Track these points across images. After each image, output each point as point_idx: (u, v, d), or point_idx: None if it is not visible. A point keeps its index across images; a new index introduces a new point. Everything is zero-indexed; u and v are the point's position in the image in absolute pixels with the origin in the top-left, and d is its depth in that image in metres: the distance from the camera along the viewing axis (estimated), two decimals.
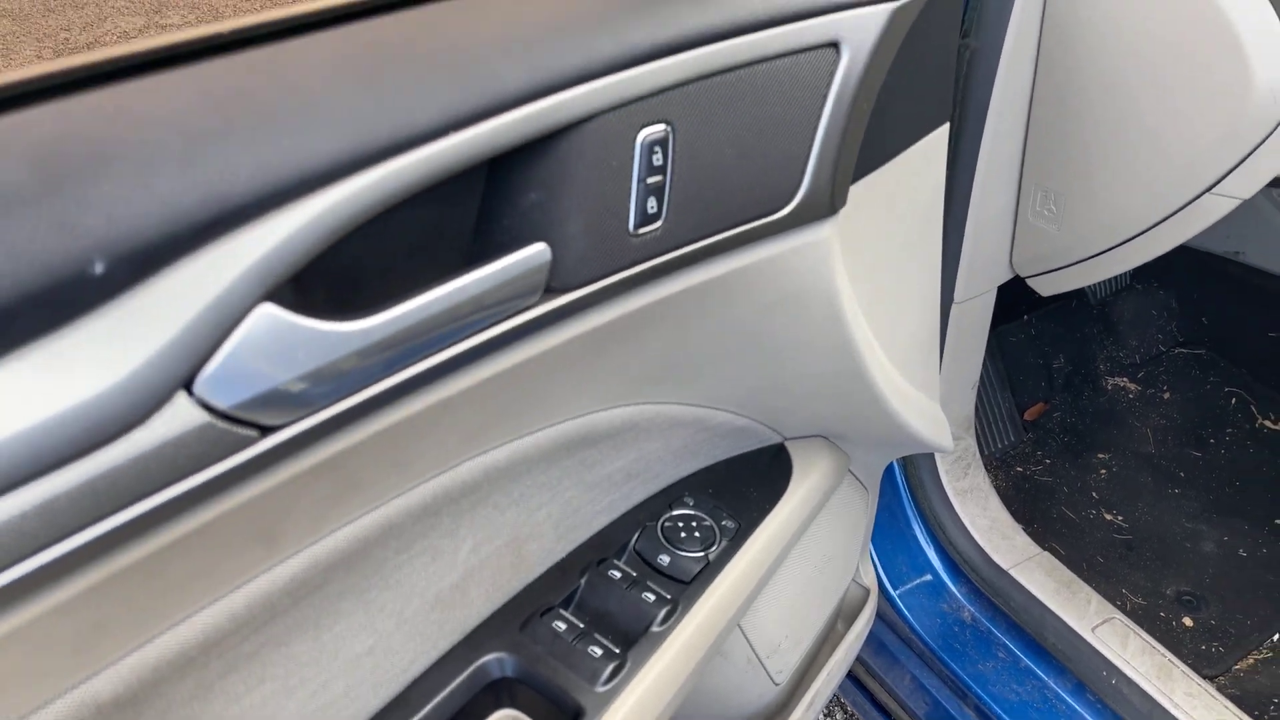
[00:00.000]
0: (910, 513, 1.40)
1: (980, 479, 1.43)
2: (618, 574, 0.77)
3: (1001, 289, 1.43)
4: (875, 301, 0.85)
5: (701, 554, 0.81)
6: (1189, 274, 1.91)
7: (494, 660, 0.70)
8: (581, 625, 0.73)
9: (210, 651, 0.49)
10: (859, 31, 0.65)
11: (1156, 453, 1.73)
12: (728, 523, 0.83)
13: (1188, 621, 1.45)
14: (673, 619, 0.74)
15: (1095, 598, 1.32)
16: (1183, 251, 1.93)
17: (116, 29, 3.98)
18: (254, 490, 0.44)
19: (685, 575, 0.79)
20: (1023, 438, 1.75)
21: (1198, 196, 1.02)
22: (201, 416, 0.39)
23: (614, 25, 0.54)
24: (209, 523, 0.42)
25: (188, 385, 0.39)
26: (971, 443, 1.43)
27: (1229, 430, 1.76)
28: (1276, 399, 1.79)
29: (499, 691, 0.70)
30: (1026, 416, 1.80)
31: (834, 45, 0.64)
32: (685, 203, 0.59)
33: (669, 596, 0.76)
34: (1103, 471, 1.70)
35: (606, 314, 0.58)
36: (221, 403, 0.39)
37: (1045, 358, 1.86)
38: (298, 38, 0.45)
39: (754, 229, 0.64)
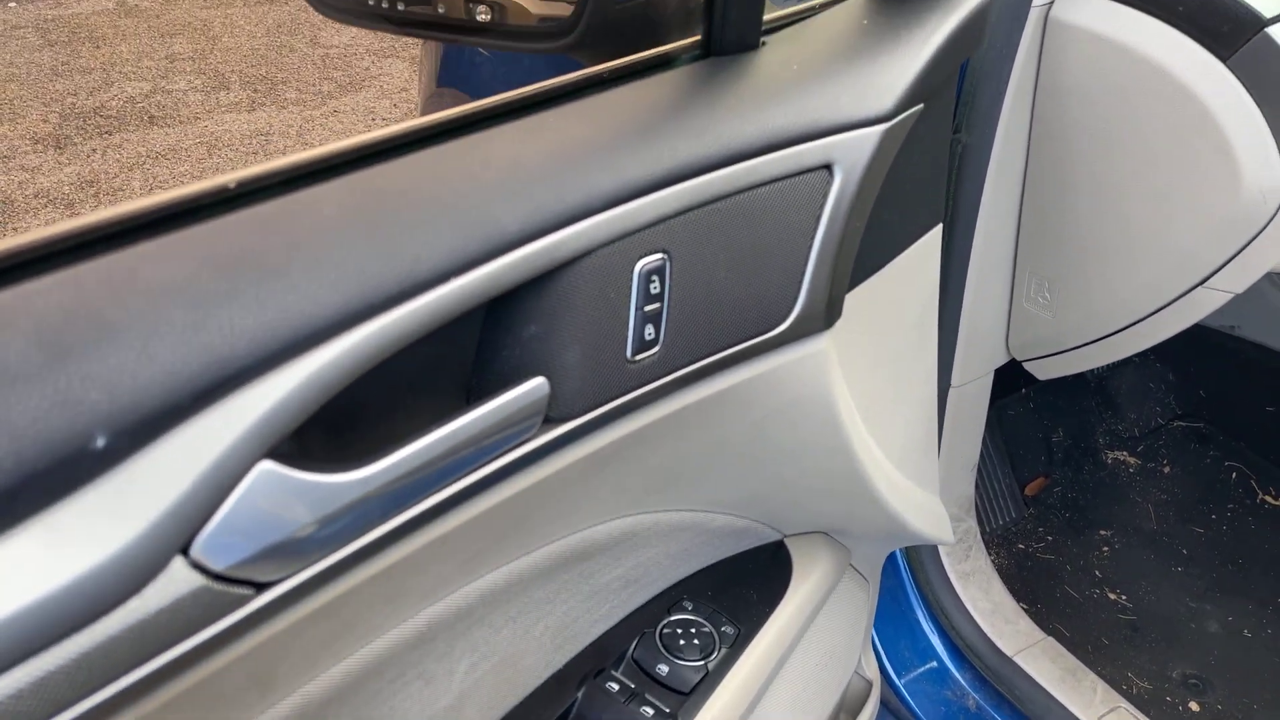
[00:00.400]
0: (913, 598, 1.38)
1: (982, 561, 1.42)
2: (615, 686, 0.76)
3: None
4: (872, 402, 0.85)
5: (701, 662, 0.80)
6: (1186, 348, 1.92)
7: None
8: None
9: None
10: (852, 152, 0.66)
11: (1158, 529, 1.72)
12: (727, 628, 0.83)
13: (1194, 706, 1.43)
14: None
15: (1101, 685, 1.30)
16: None
17: (122, 94, 4.05)
18: (248, 645, 0.43)
19: (685, 686, 0.78)
20: (1024, 514, 1.74)
21: (1191, 289, 1.03)
22: (198, 580, 0.39)
23: (612, 161, 0.55)
24: (203, 680, 0.42)
25: (184, 549, 0.38)
26: (973, 524, 1.42)
27: (1230, 505, 1.75)
28: (1276, 473, 1.79)
29: None
30: (1027, 491, 1.79)
31: (827, 167, 0.65)
32: (682, 327, 0.59)
33: (668, 710, 0.75)
34: (1105, 549, 1.68)
35: (605, 438, 0.58)
36: (218, 565, 0.39)
37: (1045, 431, 1.86)
38: (302, 189, 0.46)
39: (751, 346, 0.64)
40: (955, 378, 1.25)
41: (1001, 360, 1.29)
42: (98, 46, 4.15)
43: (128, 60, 4.08)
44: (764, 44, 0.71)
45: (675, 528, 0.78)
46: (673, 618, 0.83)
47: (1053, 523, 1.74)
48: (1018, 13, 1.02)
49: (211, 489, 0.38)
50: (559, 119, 0.58)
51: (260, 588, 0.41)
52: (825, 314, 0.68)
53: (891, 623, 1.37)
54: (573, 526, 0.66)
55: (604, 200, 0.53)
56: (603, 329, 0.54)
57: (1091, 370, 1.90)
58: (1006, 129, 1.07)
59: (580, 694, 0.75)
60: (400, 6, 0.80)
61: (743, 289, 0.62)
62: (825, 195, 0.65)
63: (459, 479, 0.49)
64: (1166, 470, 1.83)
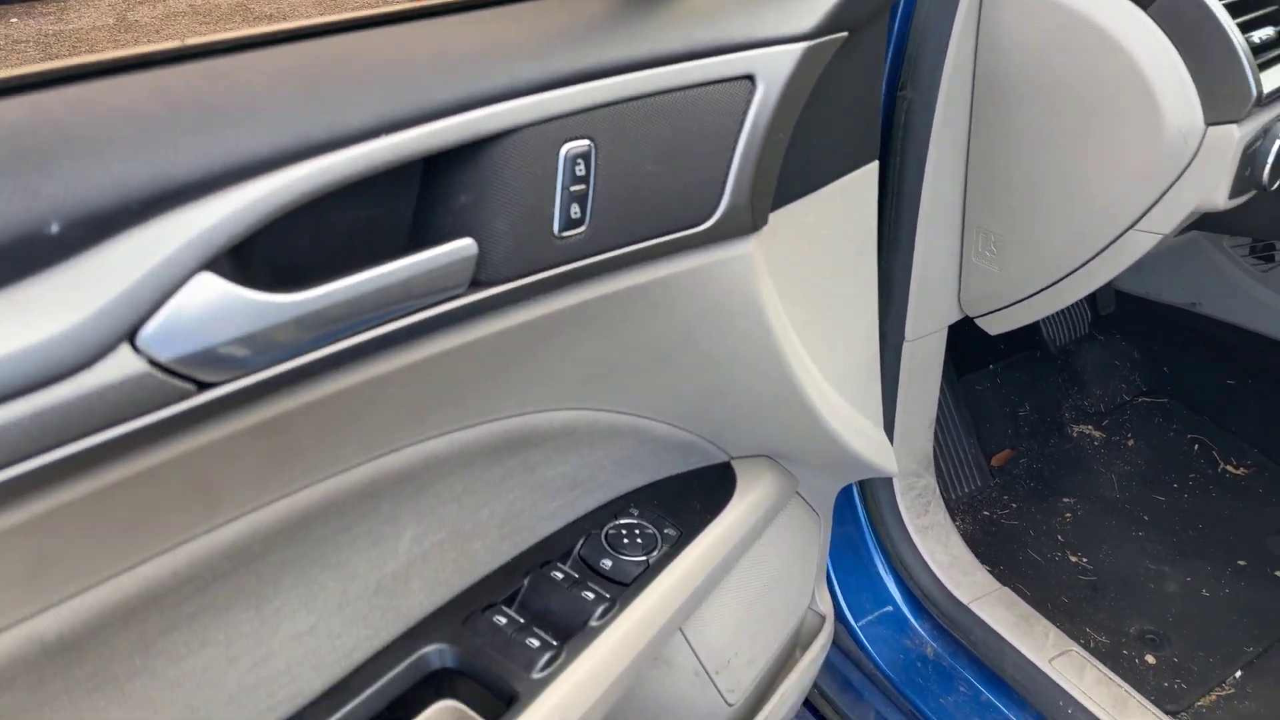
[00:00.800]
0: (873, 548, 1.43)
1: (941, 516, 1.46)
2: (560, 575, 0.81)
3: (967, 340, 1.49)
4: (810, 325, 0.90)
5: (643, 558, 0.84)
6: (1150, 325, 1.97)
7: (435, 651, 0.73)
8: (522, 620, 0.76)
9: (151, 606, 0.53)
10: (773, 66, 0.72)
11: (1121, 497, 1.76)
12: (669, 530, 0.87)
13: (1150, 659, 1.47)
14: (610, 615, 0.78)
15: (1053, 631, 1.34)
16: (1143, 304, 2.00)
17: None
18: (192, 443, 0.48)
19: (625, 578, 0.82)
20: (989, 483, 1.79)
21: (1122, 234, 1.09)
22: (142, 366, 0.44)
23: (539, 54, 0.61)
24: (150, 469, 0.47)
25: (132, 339, 0.44)
26: (932, 480, 1.47)
27: (1192, 475, 1.79)
28: (1238, 444, 1.83)
29: (439, 682, 0.74)
30: (994, 463, 1.83)
31: (749, 78, 0.71)
32: (609, 211, 0.65)
33: (608, 596, 0.79)
34: (1068, 515, 1.73)
35: (534, 310, 0.64)
36: (161, 356, 0.44)
37: (1012, 406, 1.90)
38: (253, 51, 0.52)
39: (676, 240, 0.70)
40: (909, 332, 1.30)
41: (955, 316, 1.34)
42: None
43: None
44: None
45: (618, 430, 0.83)
46: (619, 521, 0.88)
47: (1017, 491, 1.78)
48: None
49: (155, 288, 0.44)
50: (495, 18, 0.64)
51: (201, 386, 0.47)
52: (750, 218, 0.74)
53: (852, 572, 1.41)
54: (513, 408, 0.71)
55: (529, 86, 0.59)
56: (530, 203, 0.60)
57: (1054, 345, 1.95)
58: (950, 85, 1.13)
59: (526, 581, 0.80)
60: None
61: (668, 183, 0.68)
62: (748, 104, 0.71)
63: (390, 321, 0.54)
64: (1130, 443, 1.87)
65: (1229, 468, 1.80)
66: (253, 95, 0.49)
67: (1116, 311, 2.00)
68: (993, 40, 1.11)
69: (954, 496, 1.75)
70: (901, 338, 1.30)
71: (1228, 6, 0.96)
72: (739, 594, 1.00)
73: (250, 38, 0.53)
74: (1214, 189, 0.99)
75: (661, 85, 0.67)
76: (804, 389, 0.87)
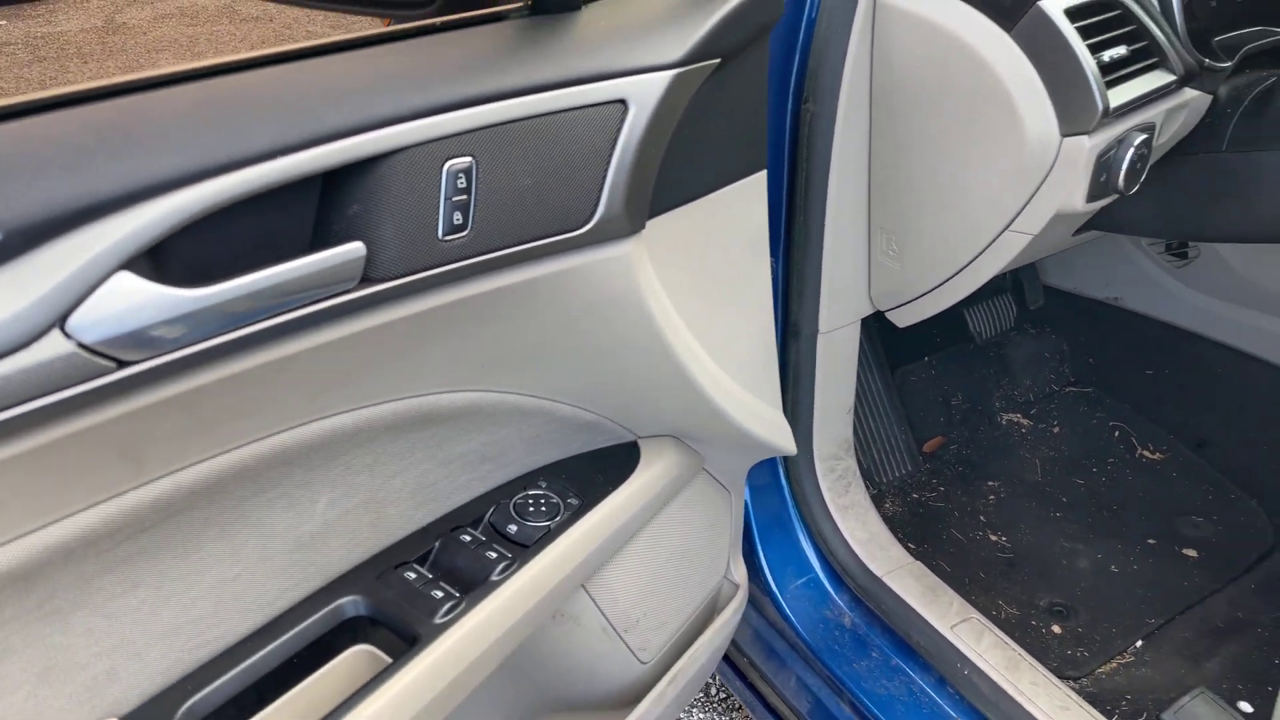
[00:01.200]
0: (797, 524, 1.54)
1: (860, 496, 1.57)
2: (468, 538, 0.92)
3: (904, 333, 1.60)
4: (703, 317, 1.01)
5: (546, 524, 0.95)
6: (1077, 318, 2.08)
7: (349, 602, 0.84)
8: (430, 576, 0.87)
9: (89, 548, 0.64)
10: (644, 91, 0.82)
11: (1042, 480, 1.87)
12: (572, 500, 0.98)
13: (1056, 629, 1.57)
14: (509, 571, 0.88)
15: (958, 600, 1.45)
16: (1071, 299, 2.11)
17: None
18: (116, 411, 0.59)
19: (528, 540, 0.93)
20: (920, 468, 1.90)
21: (1000, 234, 1.19)
22: (70, 347, 0.54)
23: (424, 84, 0.71)
24: (81, 432, 0.58)
25: (62, 325, 0.54)
26: (852, 463, 1.58)
27: (1111, 460, 1.90)
28: (1155, 431, 1.94)
29: (354, 629, 0.84)
30: (925, 449, 1.94)
31: (622, 102, 0.82)
32: (490, 217, 0.75)
33: (510, 556, 0.90)
34: (991, 498, 1.83)
35: (424, 303, 0.74)
36: (85, 339, 0.55)
37: (945, 396, 2.01)
38: (175, 86, 0.63)
39: (555, 242, 0.80)
40: (823, 324, 1.41)
41: (866, 310, 1.45)
42: (85, 62, 4.34)
43: (114, 74, 4.27)
44: (585, 6, 0.88)
45: (522, 410, 0.94)
46: (528, 492, 0.98)
47: (946, 475, 1.89)
48: None
49: (82, 284, 0.54)
50: (389, 53, 0.74)
51: (121, 364, 0.57)
52: (627, 223, 0.84)
53: (779, 548, 1.52)
54: (414, 390, 0.82)
55: (413, 112, 0.70)
56: (415, 211, 0.70)
57: (980, 338, 2.06)
58: (848, 99, 1.24)
59: (437, 543, 0.91)
60: None
61: (547, 193, 0.78)
62: (620, 125, 0.82)
63: (287, 311, 0.65)
64: (1056, 430, 1.98)
65: (1145, 453, 1.90)
66: (168, 125, 0.59)
67: (1046, 306, 2.10)
68: (885, 58, 1.22)
69: (885, 480, 1.86)
70: (816, 330, 1.40)
71: (1080, 29, 1.07)
72: (645, 560, 1.10)
73: (172, 75, 0.64)
74: (1071, 193, 1.10)
75: (540, 109, 0.77)
76: (692, 374, 0.98)
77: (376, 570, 0.86)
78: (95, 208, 0.55)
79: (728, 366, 1.05)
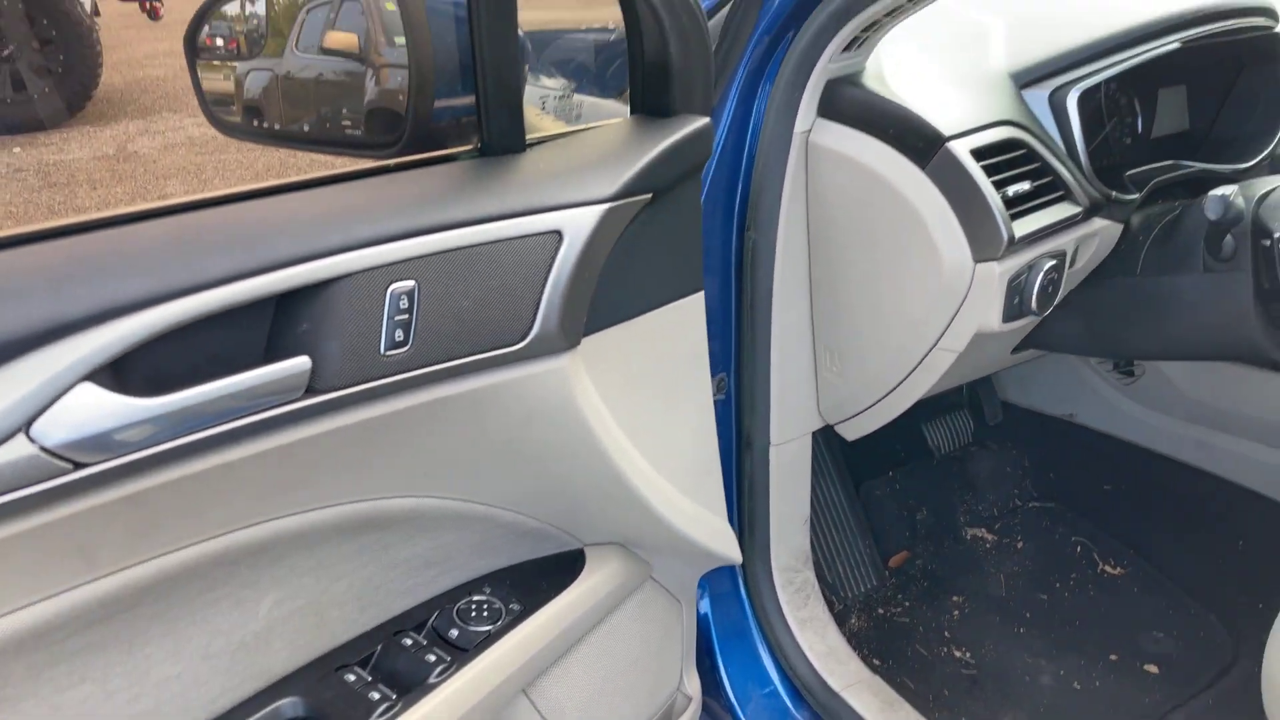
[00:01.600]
0: (756, 636, 1.55)
1: (819, 609, 1.59)
2: (410, 642, 0.95)
3: (867, 448, 1.65)
4: (643, 427, 1.07)
5: (487, 629, 0.99)
6: (1036, 434, 2.14)
7: (289, 703, 0.87)
8: (370, 679, 0.90)
9: (40, 641, 0.68)
10: (577, 224, 0.91)
11: (1007, 595, 1.89)
12: (515, 605, 1.02)
13: None
14: (447, 674, 0.92)
15: (915, 716, 1.45)
16: (1029, 414, 2.18)
17: None
18: (71, 509, 0.64)
19: (469, 645, 0.97)
20: (885, 583, 1.92)
21: (929, 352, 1.27)
22: (32, 449, 0.61)
23: (371, 217, 0.80)
24: (37, 528, 0.63)
25: (27, 430, 0.61)
26: (811, 575, 1.61)
27: (1073, 575, 1.92)
28: (1116, 546, 1.97)
29: None
30: (891, 564, 1.97)
31: (557, 233, 0.91)
32: (430, 334, 0.83)
33: (449, 659, 0.93)
34: (956, 613, 1.85)
35: (367, 413, 0.81)
36: (47, 442, 0.61)
37: (910, 510, 2.05)
38: (145, 222, 0.71)
39: (493, 357, 0.88)
40: (774, 436, 1.47)
41: (817, 424, 1.52)
42: (94, 188, 4.56)
43: (121, 200, 4.47)
44: (530, 149, 0.98)
45: (466, 517, 0.99)
46: (472, 598, 1.02)
47: (911, 590, 1.91)
48: (784, 138, 1.31)
49: (47, 394, 0.61)
50: (344, 191, 0.83)
51: (78, 465, 0.63)
52: (563, 340, 0.92)
53: (738, 659, 1.53)
54: (358, 494, 0.87)
55: (360, 242, 0.78)
56: (358, 330, 0.78)
57: (939, 453, 2.12)
58: (786, 228, 1.34)
59: (379, 647, 0.94)
60: (277, 127, 1.08)
61: (484, 313, 0.86)
62: (555, 253, 0.90)
63: (237, 419, 0.71)
64: (1020, 545, 2.01)
65: (1107, 568, 1.93)
66: (140, 254, 0.68)
67: (1006, 422, 2.17)
68: (819, 192, 1.33)
69: (850, 595, 1.87)
70: (768, 441, 1.47)
71: (986, 167, 1.18)
72: (591, 668, 1.13)
73: (143, 211, 0.72)
74: (987, 314, 1.18)
75: (480, 239, 0.86)
76: (631, 481, 1.03)
77: (318, 673, 0.90)
78: (65, 326, 0.62)
79: (669, 474, 1.11)
